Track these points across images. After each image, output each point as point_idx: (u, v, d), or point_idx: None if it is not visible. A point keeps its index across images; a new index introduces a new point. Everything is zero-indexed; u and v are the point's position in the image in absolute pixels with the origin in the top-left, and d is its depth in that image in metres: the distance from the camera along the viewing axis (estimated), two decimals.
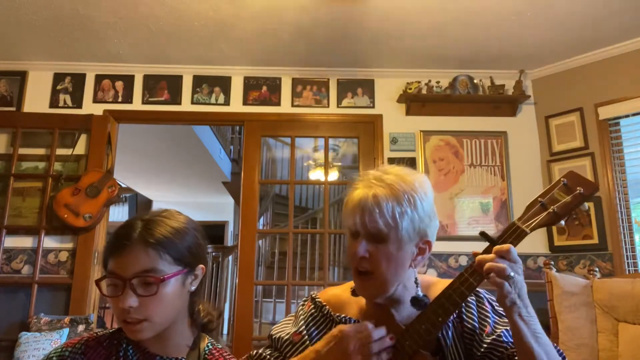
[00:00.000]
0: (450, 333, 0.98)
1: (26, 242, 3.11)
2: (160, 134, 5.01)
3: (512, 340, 0.94)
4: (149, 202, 8.69)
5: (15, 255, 3.09)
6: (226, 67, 3.41)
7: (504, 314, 0.99)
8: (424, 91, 3.34)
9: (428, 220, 0.99)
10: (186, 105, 3.38)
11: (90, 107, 3.33)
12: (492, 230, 3.19)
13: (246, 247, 3.22)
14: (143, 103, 3.37)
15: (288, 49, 3.16)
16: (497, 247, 0.87)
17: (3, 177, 3.18)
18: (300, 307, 1.16)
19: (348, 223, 1.00)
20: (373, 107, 3.41)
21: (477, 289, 0.92)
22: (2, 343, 2.92)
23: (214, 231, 8.29)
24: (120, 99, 3.36)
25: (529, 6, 2.65)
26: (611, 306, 2.47)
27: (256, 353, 1.11)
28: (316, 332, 1.08)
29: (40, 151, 3.25)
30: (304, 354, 0.98)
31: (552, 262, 2.77)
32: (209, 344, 1.03)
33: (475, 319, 0.99)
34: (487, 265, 0.85)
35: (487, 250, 0.90)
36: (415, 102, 3.34)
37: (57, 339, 2.71)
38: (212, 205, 8.51)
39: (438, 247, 3.15)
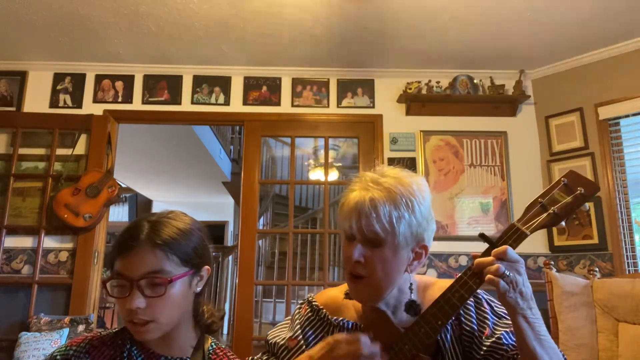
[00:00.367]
0: (449, 336, 0.97)
1: (26, 242, 3.11)
2: (160, 134, 5.01)
3: (512, 343, 0.93)
4: (149, 202, 8.69)
5: (15, 255, 3.09)
6: (226, 67, 3.40)
7: (504, 314, 0.98)
8: (424, 91, 3.34)
9: (425, 224, 0.98)
10: (186, 105, 3.38)
11: (90, 107, 3.33)
12: (492, 231, 3.19)
13: (246, 247, 3.21)
14: (143, 103, 3.37)
15: (288, 49, 3.16)
16: (495, 250, 0.86)
17: (3, 177, 3.18)
18: (297, 311, 1.14)
19: (344, 226, 0.99)
20: (373, 107, 3.41)
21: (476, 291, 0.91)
22: (2, 343, 2.92)
23: (214, 231, 8.28)
24: (120, 99, 3.36)
25: (529, 6, 2.64)
26: (611, 306, 2.47)
27: (254, 357, 1.11)
28: (313, 336, 1.07)
29: (40, 151, 3.24)
30: (299, 359, 0.97)
31: (552, 262, 2.77)
32: (212, 344, 1.03)
33: (474, 321, 0.98)
34: (488, 278, 0.85)
35: (486, 252, 0.89)
36: (415, 102, 3.34)
37: (57, 339, 2.71)
38: (212, 205, 8.51)
39: (438, 247, 3.15)
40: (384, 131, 3.35)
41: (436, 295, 0.92)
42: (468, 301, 0.98)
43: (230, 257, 6.15)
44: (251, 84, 3.43)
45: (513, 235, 0.89)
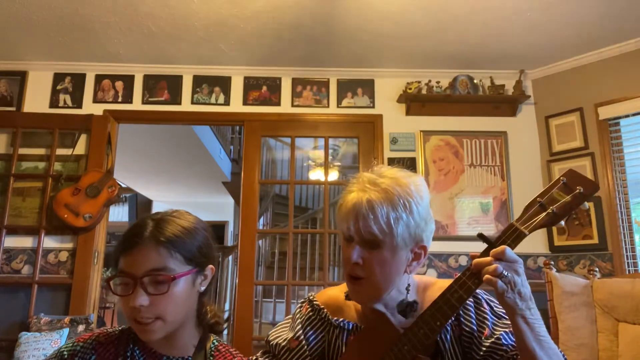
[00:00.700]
0: (448, 336, 0.97)
1: (26, 242, 3.11)
2: (160, 134, 5.01)
3: (512, 343, 0.93)
4: (149, 202, 8.69)
5: (15, 255, 3.09)
6: (226, 67, 3.40)
7: (503, 315, 0.98)
8: (424, 91, 3.33)
9: (424, 224, 0.98)
10: (186, 105, 3.38)
11: (90, 107, 3.33)
12: (492, 231, 3.18)
13: (246, 247, 3.21)
14: (143, 103, 3.37)
15: (288, 49, 3.16)
16: (493, 250, 0.86)
17: (3, 177, 3.18)
18: (298, 310, 1.14)
19: (342, 227, 0.99)
20: (373, 107, 3.41)
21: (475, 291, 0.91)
22: (2, 343, 2.92)
23: (214, 231, 8.26)
24: (120, 99, 3.36)
25: (529, 6, 2.64)
26: (611, 306, 2.47)
27: (255, 358, 1.11)
28: (313, 336, 1.07)
29: (40, 151, 3.24)
30: None
31: (552, 262, 2.77)
32: (214, 341, 1.03)
33: (474, 322, 0.98)
34: (485, 278, 0.84)
35: (485, 252, 0.89)
36: (415, 102, 3.34)
37: (57, 339, 2.71)
38: (212, 205, 8.51)
39: (438, 247, 3.15)
40: (384, 131, 3.35)
41: (436, 296, 0.91)
42: (467, 301, 0.98)
43: (230, 257, 6.15)
44: (251, 84, 3.43)
45: (512, 235, 0.89)
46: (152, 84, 3.40)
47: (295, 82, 3.44)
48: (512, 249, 0.87)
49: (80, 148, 3.24)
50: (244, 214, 3.27)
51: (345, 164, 6.30)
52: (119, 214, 8.84)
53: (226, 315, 6.43)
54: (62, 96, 3.34)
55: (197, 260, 0.96)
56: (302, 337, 1.06)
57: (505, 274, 0.83)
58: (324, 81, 3.45)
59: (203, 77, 3.42)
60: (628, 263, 2.90)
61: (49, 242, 3.11)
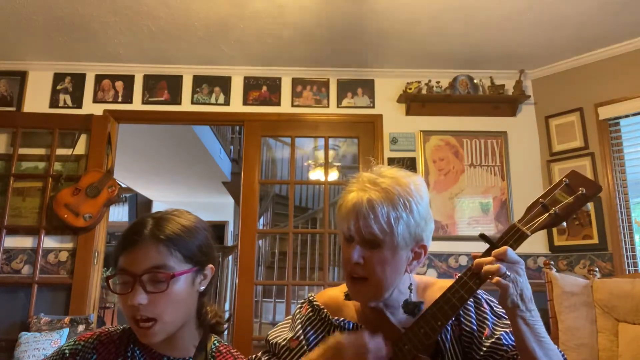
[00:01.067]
0: (449, 336, 0.97)
1: (26, 242, 3.11)
2: (160, 134, 5.00)
3: (512, 343, 0.93)
4: (149, 202, 8.69)
5: (15, 255, 3.09)
6: (226, 67, 3.40)
7: (504, 315, 0.98)
8: (424, 91, 3.33)
9: (424, 224, 0.98)
10: (186, 105, 3.38)
11: (90, 107, 3.33)
12: (492, 231, 3.19)
13: (246, 247, 3.21)
14: (143, 103, 3.37)
15: (288, 49, 3.16)
16: (495, 251, 0.86)
17: (3, 177, 3.18)
18: (298, 310, 1.14)
19: (342, 227, 0.99)
20: (373, 107, 3.41)
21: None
22: (2, 343, 2.91)
23: (214, 231, 8.26)
24: (120, 99, 3.36)
25: (529, 6, 2.64)
26: (611, 306, 2.47)
27: (255, 357, 1.11)
28: (314, 335, 1.07)
29: (40, 151, 3.24)
30: None
31: (552, 262, 2.77)
32: (215, 342, 1.03)
33: (474, 322, 0.98)
34: (484, 269, 0.85)
35: (486, 253, 0.89)
36: (415, 102, 3.34)
37: (57, 339, 2.71)
38: (212, 205, 8.51)
39: (438, 247, 3.15)
40: (384, 131, 3.35)
41: (436, 296, 0.92)
42: (468, 301, 0.98)
43: (230, 257, 6.15)
44: (251, 84, 3.43)
45: (514, 235, 0.89)
46: (152, 84, 3.40)
47: (295, 82, 3.44)
48: (514, 249, 0.87)
49: (80, 148, 3.24)
50: (244, 214, 3.27)
51: (345, 164, 6.30)
52: (119, 214, 8.84)
53: (226, 315, 6.43)
54: (62, 96, 3.34)
55: (196, 259, 0.96)
56: (302, 336, 1.06)
57: (508, 274, 0.83)
58: (324, 81, 3.45)
59: (203, 77, 3.42)
60: (628, 263, 2.90)
61: (49, 242, 3.11)
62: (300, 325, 1.09)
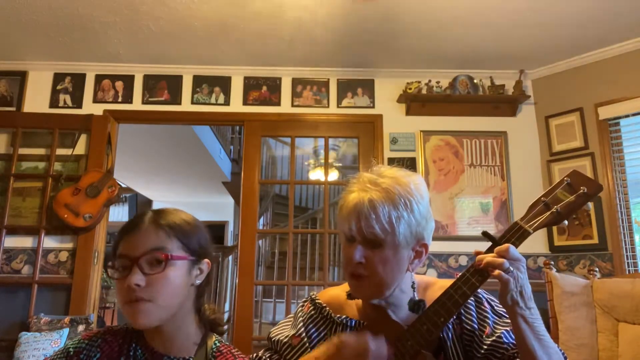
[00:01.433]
0: (450, 334, 0.98)
1: (26, 242, 3.11)
2: (160, 134, 5.01)
3: (512, 342, 0.93)
4: (149, 202, 8.69)
5: (15, 255, 3.09)
6: (226, 67, 3.40)
7: (504, 314, 0.98)
8: (424, 91, 3.34)
9: (424, 222, 0.99)
10: (186, 105, 3.38)
11: (90, 107, 3.33)
12: (492, 231, 3.19)
13: (246, 247, 3.21)
14: (143, 103, 3.37)
15: (288, 49, 3.16)
16: (497, 247, 0.88)
17: (3, 177, 3.17)
18: (300, 309, 1.15)
19: (343, 228, 0.99)
20: (373, 107, 3.41)
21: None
22: (2, 343, 2.91)
23: (214, 231, 8.15)
24: (120, 99, 3.36)
25: (529, 6, 2.65)
26: (611, 306, 2.47)
27: (256, 356, 1.11)
28: (316, 333, 1.08)
29: (40, 151, 3.24)
30: (304, 359, 0.97)
31: (552, 262, 2.78)
32: (216, 342, 1.03)
33: (475, 320, 0.98)
34: (486, 260, 0.86)
35: (489, 250, 0.90)
36: (415, 102, 3.34)
37: (57, 339, 2.70)
38: (212, 205, 8.51)
39: (438, 247, 3.15)
40: (384, 131, 3.35)
41: (436, 295, 0.92)
42: (468, 301, 0.99)
43: (230, 257, 6.15)
44: (251, 84, 3.43)
45: (516, 233, 0.90)
46: (152, 84, 3.40)
47: (295, 82, 3.44)
48: (516, 247, 0.88)
49: (80, 148, 3.24)
50: (244, 214, 3.27)
51: (345, 164, 6.30)
52: (119, 214, 8.84)
53: (226, 315, 6.43)
54: (62, 96, 3.34)
55: (193, 248, 0.98)
56: (304, 334, 1.07)
57: (511, 269, 0.84)
58: (324, 81, 3.45)
59: (203, 77, 3.42)
60: (628, 263, 2.91)
61: (49, 242, 3.11)
62: (302, 323, 1.10)
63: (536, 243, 3.17)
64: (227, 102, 3.40)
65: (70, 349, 0.99)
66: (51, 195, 3.11)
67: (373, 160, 3.24)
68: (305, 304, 1.15)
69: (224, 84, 3.42)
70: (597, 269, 2.69)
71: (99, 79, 3.39)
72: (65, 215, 3.01)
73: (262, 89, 3.43)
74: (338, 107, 3.41)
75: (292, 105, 3.41)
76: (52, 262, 3.08)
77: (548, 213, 0.91)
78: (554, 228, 2.63)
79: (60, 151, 3.22)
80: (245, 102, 3.40)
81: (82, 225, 3.04)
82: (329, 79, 3.45)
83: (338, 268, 5.01)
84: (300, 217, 5.61)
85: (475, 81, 3.36)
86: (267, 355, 1.09)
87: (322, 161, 3.58)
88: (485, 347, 0.95)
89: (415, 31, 2.91)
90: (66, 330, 2.77)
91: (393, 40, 3.02)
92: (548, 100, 3.34)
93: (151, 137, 5.08)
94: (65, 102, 3.33)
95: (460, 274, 0.91)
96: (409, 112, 3.38)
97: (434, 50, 3.16)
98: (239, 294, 3.17)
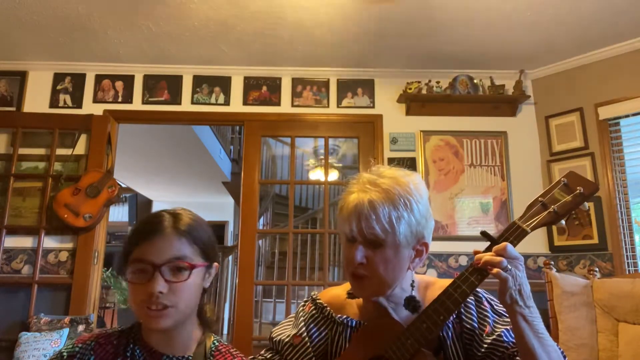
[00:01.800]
0: (450, 333, 0.98)
1: (26, 242, 3.11)
2: (160, 134, 5.01)
3: (512, 340, 0.94)
4: (149, 202, 8.70)
5: (15, 255, 3.09)
6: (226, 67, 3.41)
7: (504, 313, 0.99)
8: (424, 91, 3.33)
9: (424, 222, 0.99)
10: (186, 105, 3.38)
11: (90, 107, 3.33)
12: (492, 230, 3.18)
13: (246, 247, 3.22)
14: (143, 103, 3.37)
15: (288, 49, 3.16)
16: (495, 246, 0.88)
17: (3, 177, 3.18)
18: (301, 308, 1.15)
19: (344, 229, 1.00)
20: (373, 107, 3.41)
21: (476, 289, 0.92)
22: (2, 343, 2.91)
23: (214, 231, 8.26)
24: (120, 99, 3.36)
25: (529, 6, 2.65)
26: (611, 306, 2.47)
27: (254, 358, 1.12)
28: (317, 333, 1.08)
29: (40, 151, 3.24)
30: None
31: (552, 262, 2.77)
32: (215, 341, 1.04)
33: (475, 319, 0.99)
34: (484, 258, 0.87)
35: (487, 250, 0.91)
36: (415, 102, 3.34)
37: (57, 339, 2.71)
38: (212, 205, 8.51)
39: (438, 247, 3.15)
40: (384, 131, 3.35)
41: (436, 295, 0.93)
42: (468, 300, 1.00)
43: (230, 257, 6.15)
44: (251, 84, 3.43)
45: (514, 232, 0.91)
46: (152, 84, 3.40)
47: (295, 82, 3.44)
48: (515, 246, 0.89)
49: (80, 148, 3.24)
50: (244, 214, 3.27)
51: (345, 164, 6.30)
52: (119, 214, 8.85)
53: (226, 316, 6.44)
54: (62, 96, 3.34)
55: (208, 253, 0.99)
56: (305, 333, 1.08)
57: (509, 267, 0.85)
58: (324, 81, 3.45)
59: (203, 77, 3.42)
60: (628, 263, 2.91)
61: (49, 242, 3.11)
62: (303, 323, 1.11)
63: (536, 243, 3.17)
64: (227, 102, 3.40)
65: (64, 354, 0.99)
66: (51, 195, 3.12)
67: (372, 160, 3.27)
68: (307, 304, 1.16)
69: (224, 84, 3.42)
70: (597, 269, 2.69)
71: (99, 79, 3.39)
72: (65, 215, 3.01)
73: (262, 89, 3.43)
74: (338, 107, 3.41)
75: (292, 105, 3.41)
76: (52, 262, 3.08)
77: (545, 213, 0.92)
78: (554, 228, 2.63)
79: (60, 151, 3.22)
80: (245, 102, 3.41)
81: (82, 225, 3.04)
82: (329, 79, 3.45)
83: (338, 268, 5.01)
84: (300, 217, 5.61)
85: (475, 81, 3.36)
86: (268, 355, 1.10)
87: (322, 161, 3.58)
88: (485, 345, 0.95)
89: (415, 31, 2.91)
90: (66, 331, 2.78)
91: (393, 40, 3.02)
92: (548, 100, 3.34)
93: (151, 137, 5.08)
94: (65, 102, 3.33)
95: (459, 273, 0.91)
96: (409, 112, 3.37)
97: (434, 50, 3.16)
98: (239, 294, 3.17)
